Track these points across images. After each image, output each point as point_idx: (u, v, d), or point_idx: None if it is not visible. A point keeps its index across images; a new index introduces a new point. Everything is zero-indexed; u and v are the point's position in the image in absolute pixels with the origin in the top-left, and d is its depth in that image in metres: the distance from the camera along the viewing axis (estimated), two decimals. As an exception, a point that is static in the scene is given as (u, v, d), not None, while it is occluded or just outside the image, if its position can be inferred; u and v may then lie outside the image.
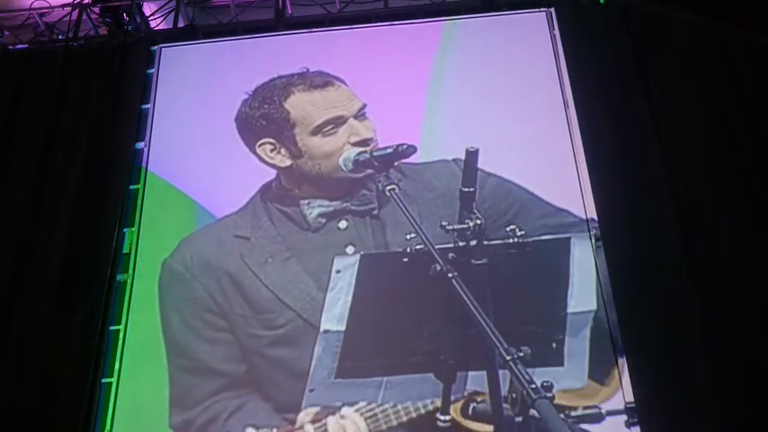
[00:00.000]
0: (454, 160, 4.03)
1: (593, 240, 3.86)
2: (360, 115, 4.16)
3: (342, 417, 3.49)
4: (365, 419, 3.48)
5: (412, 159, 3.91)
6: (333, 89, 4.29)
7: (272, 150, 4.18)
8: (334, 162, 4.03)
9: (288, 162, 4.15)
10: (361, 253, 3.85)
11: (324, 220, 4.02)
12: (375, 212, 3.98)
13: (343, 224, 4.00)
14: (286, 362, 3.69)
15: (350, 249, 3.91)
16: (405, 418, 3.48)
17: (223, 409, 3.64)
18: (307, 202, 4.06)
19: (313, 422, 3.50)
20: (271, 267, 3.95)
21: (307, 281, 3.88)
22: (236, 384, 3.70)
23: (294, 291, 3.87)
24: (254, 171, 4.36)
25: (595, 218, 3.95)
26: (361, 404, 3.50)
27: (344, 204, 4.03)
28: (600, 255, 3.81)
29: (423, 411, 3.48)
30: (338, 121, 4.10)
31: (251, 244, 4.05)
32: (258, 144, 4.22)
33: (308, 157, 4.11)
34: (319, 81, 4.31)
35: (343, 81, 4.38)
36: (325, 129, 4.09)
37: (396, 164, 3.89)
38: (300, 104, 4.22)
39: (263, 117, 4.24)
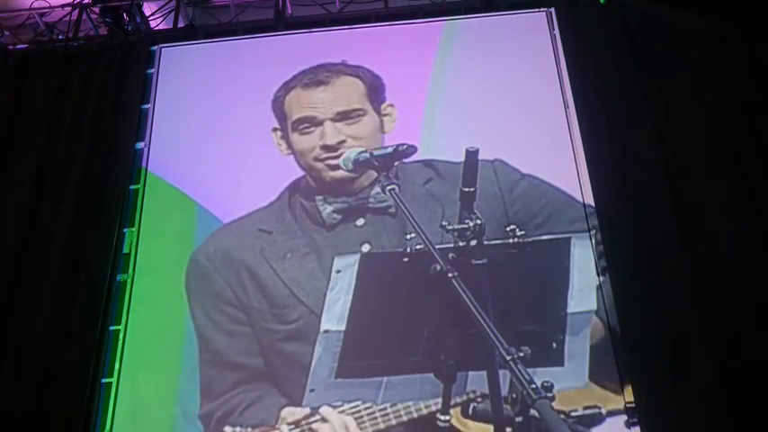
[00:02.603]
0: (494, 162, 4.07)
1: (593, 241, 3.86)
2: (340, 119, 4.19)
3: (324, 420, 3.49)
4: (355, 420, 3.48)
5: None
6: (322, 89, 4.38)
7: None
8: (308, 161, 4.18)
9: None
10: (361, 253, 3.85)
11: (339, 217, 4.03)
12: (392, 210, 3.95)
13: (360, 222, 4.00)
14: (297, 357, 3.69)
15: (365, 248, 3.91)
16: (394, 421, 3.47)
17: (240, 401, 3.66)
18: (322, 197, 4.09)
19: (291, 423, 3.53)
20: (289, 263, 3.96)
21: (321, 278, 3.87)
22: (255, 378, 3.71)
23: (308, 287, 3.87)
24: (253, 170, 4.39)
25: (595, 219, 3.95)
26: (346, 406, 3.50)
27: (360, 201, 4.04)
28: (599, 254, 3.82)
29: (416, 415, 3.47)
30: (313, 121, 4.21)
31: (272, 238, 4.06)
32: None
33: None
34: (314, 79, 4.44)
35: (358, 76, 4.42)
36: (301, 127, 4.24)
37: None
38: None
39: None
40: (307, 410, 3.53)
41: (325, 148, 4.11)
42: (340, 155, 4.03)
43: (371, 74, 4.45)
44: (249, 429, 3.56)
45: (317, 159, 4.14)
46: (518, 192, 4.00)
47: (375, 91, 4.38)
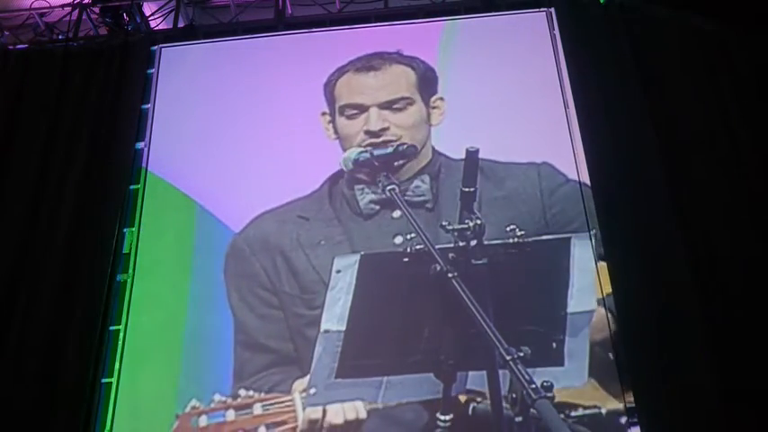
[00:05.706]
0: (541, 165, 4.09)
1: (593, 240, 3.86)
2: (386, 106, 4.22)
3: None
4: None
5: (493, 156, 3.97)
6: (372, 74, 4.41)
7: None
8: (353, 146, 4.17)
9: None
10: (362, 253, 3.85)
11: (377, 207, 4.04)
12: (429, 206, 4.00)
13: (396, 213, 3.94)
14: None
15: (398, 240, 3.85)
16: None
17: (266, 382, 3.70)
18: (361, 187, 4.10)
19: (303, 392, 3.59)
20: (322, 249, 3.99)
21: None
22: (284, 361, 3.74)
23: None
24: (254, 170, 4.39)
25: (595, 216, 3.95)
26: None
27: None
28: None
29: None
30: (360, 108, 4.25)
31: (309, 225, 4.10)
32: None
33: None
34: (366, 65, 4.48)
35: (411, 66, 4.44)
36: (348, 112, 4.27)
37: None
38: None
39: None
40: None
41: (369, 133, 4.16)
42: (383, 141, 4.11)
43: (425, 65, 4.48)
44: (262, 394, 3.63)
45: (360, 145, 4.16)
46: (558, 196, 4.00)
47: (426, 82, 4.42)
